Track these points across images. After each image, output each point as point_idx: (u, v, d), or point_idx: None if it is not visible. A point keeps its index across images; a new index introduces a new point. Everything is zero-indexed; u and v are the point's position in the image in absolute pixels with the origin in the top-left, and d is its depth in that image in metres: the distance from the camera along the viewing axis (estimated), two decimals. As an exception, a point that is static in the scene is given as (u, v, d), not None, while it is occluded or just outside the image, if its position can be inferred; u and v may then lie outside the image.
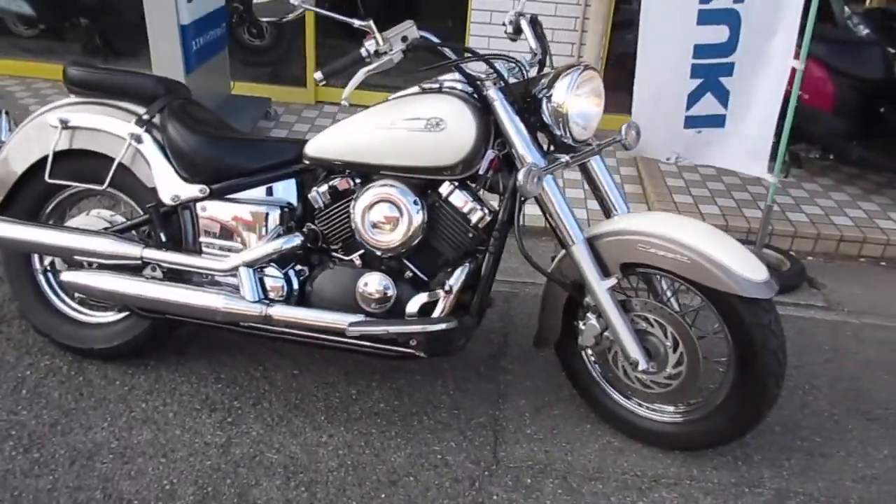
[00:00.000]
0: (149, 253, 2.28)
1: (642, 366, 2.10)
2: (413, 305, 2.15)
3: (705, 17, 3.03)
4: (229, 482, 2.09)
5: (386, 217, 2.12)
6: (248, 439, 2.25)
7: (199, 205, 2.29)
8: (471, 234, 2.14)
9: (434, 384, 2.53)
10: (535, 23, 2.31)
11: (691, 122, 3.21)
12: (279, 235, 2.25)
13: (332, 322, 2.17)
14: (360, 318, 2.16)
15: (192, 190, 2.27)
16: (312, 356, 2.60)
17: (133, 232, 2.39)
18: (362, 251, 2.23)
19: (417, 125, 2.06)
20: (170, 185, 2.28)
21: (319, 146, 2.21)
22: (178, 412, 2.34)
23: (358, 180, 2.22)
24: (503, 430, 2.35)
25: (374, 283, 2.17)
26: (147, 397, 2.40)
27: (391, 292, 2.16)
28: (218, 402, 2.40)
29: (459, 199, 2.13)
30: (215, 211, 2.29)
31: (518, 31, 2.32)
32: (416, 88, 2.16)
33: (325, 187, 2.25)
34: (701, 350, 2.10)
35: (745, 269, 1.97)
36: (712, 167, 3.86)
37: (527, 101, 2.09)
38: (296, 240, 2.23)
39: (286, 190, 2.30)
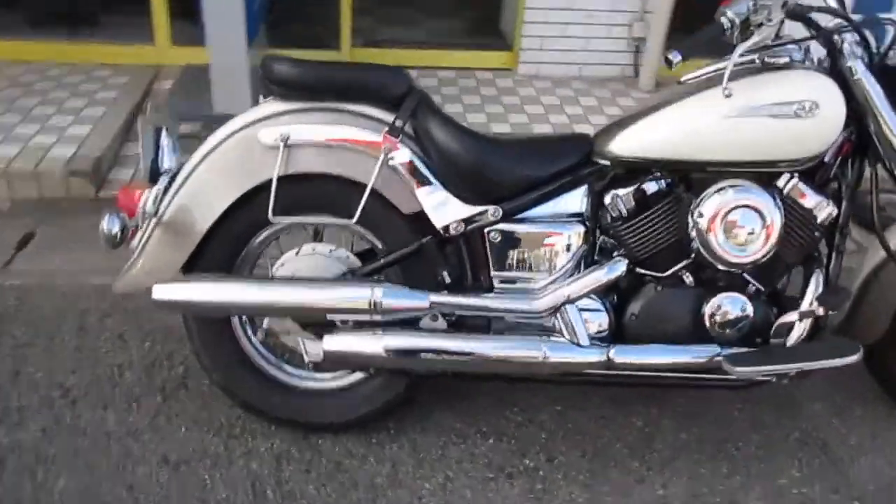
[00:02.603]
0: (440, 299, 1.78)
1: None
2: (780, 328, 1.82)
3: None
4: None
5: (745, 226, 1.75)
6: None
7: (490, 231, 1.81)
8: (817, 234, 1.82)
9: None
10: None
11: None
12: (595, 260, 1.83)
13: (693, 359, 1.80)
14: (731, 350, 1.80)
15: (482, 213, 1.79)
16: (550, 385, 2.19)
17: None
18: (687, 266, 1.85)
19: (785, 110, 1.69)
20: (448, 209, 1.78)
21: (629, 143, 1.78)
22: (473, 486, 1.90)
23: (667, 181, 1.82)
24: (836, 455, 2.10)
25: (729, 306, 1.81)
26: (419, 472, 1.93)
27: (749, 313, 1.82)
28: (506, 464, 1.97)
29: (805, 194, 1.80)
30: (511, 236, 1.82)
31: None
32: (749, 63, 1.77)
33: (626, 191, 1.83)
34: None
35: None
36: None
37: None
38: (621, 265, 1.81)
39: (576, 199, 1.86)
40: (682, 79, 1.87)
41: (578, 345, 1.78)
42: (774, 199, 1.75)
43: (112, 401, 2.11)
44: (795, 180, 1.78)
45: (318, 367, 1.91)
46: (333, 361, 1.80)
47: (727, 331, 1.81)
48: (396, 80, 1.78)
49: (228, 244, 1.85)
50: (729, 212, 1.74)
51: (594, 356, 1.78)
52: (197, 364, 2.05)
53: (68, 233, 2.92)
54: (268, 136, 1.74)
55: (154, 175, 1.86)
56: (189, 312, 1.87)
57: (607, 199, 1.84)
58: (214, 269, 1.85)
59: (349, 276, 1.85)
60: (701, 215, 1.75)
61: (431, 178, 1.76)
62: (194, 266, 1.84)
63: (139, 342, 2.34)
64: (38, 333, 2.35)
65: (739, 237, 1.75)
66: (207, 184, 1.79)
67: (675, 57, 1.63)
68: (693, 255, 1.81)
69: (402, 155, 1.74)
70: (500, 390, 2.17)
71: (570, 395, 2.19)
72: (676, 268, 1.84)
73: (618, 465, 1.99)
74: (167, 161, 1.86)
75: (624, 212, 1.82)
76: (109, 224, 1.70)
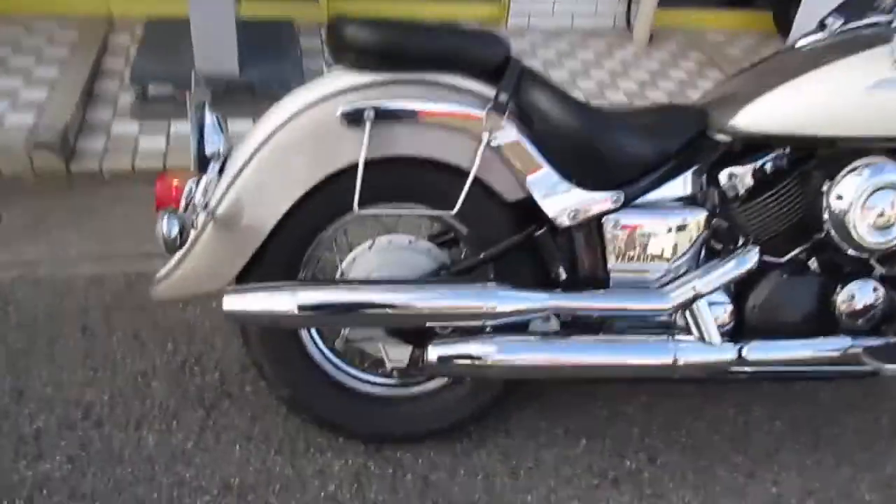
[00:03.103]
0: (559, 299, 1.56)
1: None
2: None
3: None
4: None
5: (888, 208, 1.60)
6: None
7: (608, 220, 1.59)
8: None
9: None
10: None
11: None
12: (713, 247, 1.65)
13: (828, 352, 1.65)
14: (868, 342, 1.66)
15: (602, 200, 1.57)
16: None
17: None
18: (808, 250, 1.69)
19: None
20: (563, 196, 1.54)
21: (758, 117, 1.58)
22: (580, 496, 1.72)
23: (790, 157, 1.65)
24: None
25: (862, 293, 1.66)
26: (517, 483, 1.73)
27: (880, 301, 1.68)
28: (607, 467, 1.80)
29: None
30: (630, 224, 1.60)
31: None
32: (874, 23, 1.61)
33: (744, 169, 1.65)
34: None
35: None
36: None
37: None
38: (753, 254, 1.63)
39: (691, 180, 1.66)
40: (798, 44, 1.69)
41: (709, 343, 1.60)
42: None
43: (145, 418, 1.81)
44: None
45: (402, 374, 1.67)
46: (438, 371, 1.56)
47: (858, 320, 1.67)
48: (494, 46, 1.51)
49: (294, 241, 1.57)
50: (872, 193, 1.58)
51: (727, 355, 1.60)
52: (233, 367, 1.78)
53: (41, 215, 2.53)
54: (350, 113, 1.45)
55: (202, 161, 1.54)
56: (268, 325, 1.58)
57: (723, 178, 1.64)
58: (277, 270, 1.57)
59: (444, 275, 1.60)
60: (840, 197, 1.58)
61: (542, 162, 1.52)
62: (250, 267, 1.55)
63: (158, 343, 2.03)
64: (35, 339, 2.01)
65: (881, 220, 1.59)
66: (273, 171, 1.49)
67: (835, 21, 1.43)
68: (816, 238, 1.65)
69: (508, 134, 1.49)
70: (572, 381, 1.98)
71: (651, 382, 2.02)
72: (796, 252, 1.68)
73: (722, 460, 1.84)
74: (213, 143, 1.54)
75: (742, 192, 1.64)
76: (168, 226, 1.39)
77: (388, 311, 1.49)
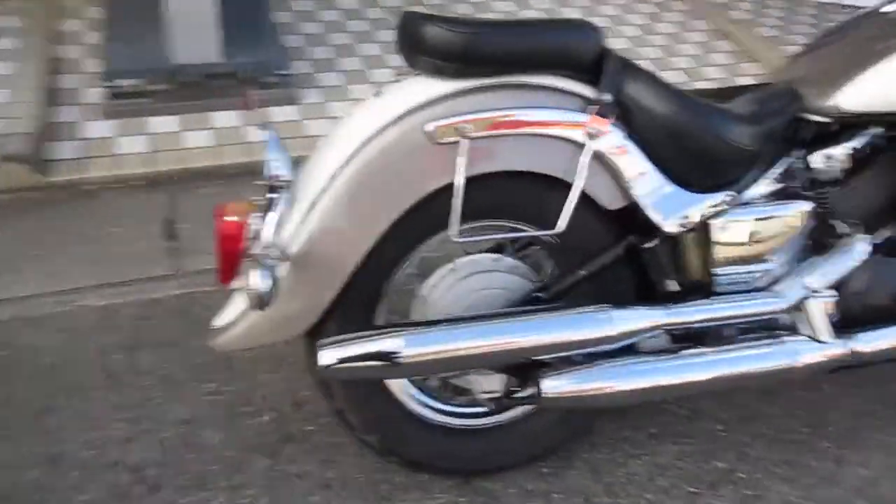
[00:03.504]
0: (675, 313, 1.45)
1: None
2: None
3: None
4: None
5: None
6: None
7: (716, 222, 1.47)
8: None
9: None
10: None
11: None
12: (824, 238, 1.56)
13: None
14: None
15: (713, 201, 1.45)
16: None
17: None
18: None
19: None
20: (674, 201, 1.42)
21: (861, 97, 1.49)
22: (680, 508, 1.66)
23: (885, 135, 1.57)
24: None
25: (958, 269, 1.61)
26: (615, 500, 1.65)
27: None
28: (700, 472, 1.72)
29: None
30: (741, 224, 1.49)
31: None
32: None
33: (840, 151, 1.56)
34: None
35: None
36: None
37: None
38: (865, 244, 1.55)
39: (790, 168, 1.56)
40: (884, 8, 1.59)
41: (823, 340, 1.52)
42: None
43: (205, 475, 1.64)
44: None
45: (498, 404, 1.55)
46: (554, 406, 1.45)
47: None
48: (588, 39, 1.35)
49: (374, 275, 1.41)
50: None
51: (841, 349, 1.53)
52: (286, 404, 1.65)
53: (23, 240, 2.27)
54: (443, 128, 1.29)
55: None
56: (371, 378, 1.43)
57: (818, 162, 1.55)
58: (356, 308, 1.42)
59: (542, 297, 1.48)
60: None
61: (648, 165, 1.39)
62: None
63: (196, 384, 1.85)
64: (55, 392, 1.80)
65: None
66: (355, 201, 1.33)
67: None
68: None
69: (614, 139, 1.36)
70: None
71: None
72: (889, 234, 1.61)
73: (808, 448, 1.80)
74: (276, 167, 1.35)
75: (839, 174, 1.55)
76: (263, 280, 1.22)
77: (506, 348, 1.36)
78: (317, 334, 1.40)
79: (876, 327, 1.58)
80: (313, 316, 1.38)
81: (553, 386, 1.39)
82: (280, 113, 2.84)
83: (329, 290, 1.36)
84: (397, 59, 3.18)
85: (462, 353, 1.35)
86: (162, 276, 2.17)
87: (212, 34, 2.64)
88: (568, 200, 1.35)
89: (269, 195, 1.33)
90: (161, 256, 2.25)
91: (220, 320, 1.43)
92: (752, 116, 1.48)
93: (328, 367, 1.31)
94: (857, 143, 1.54)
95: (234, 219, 1.37)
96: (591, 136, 1.33)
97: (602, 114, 1.33)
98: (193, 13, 2.57)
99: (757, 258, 1.51)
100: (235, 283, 1.41)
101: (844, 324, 1.57)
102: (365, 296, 1.42)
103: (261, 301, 1.22)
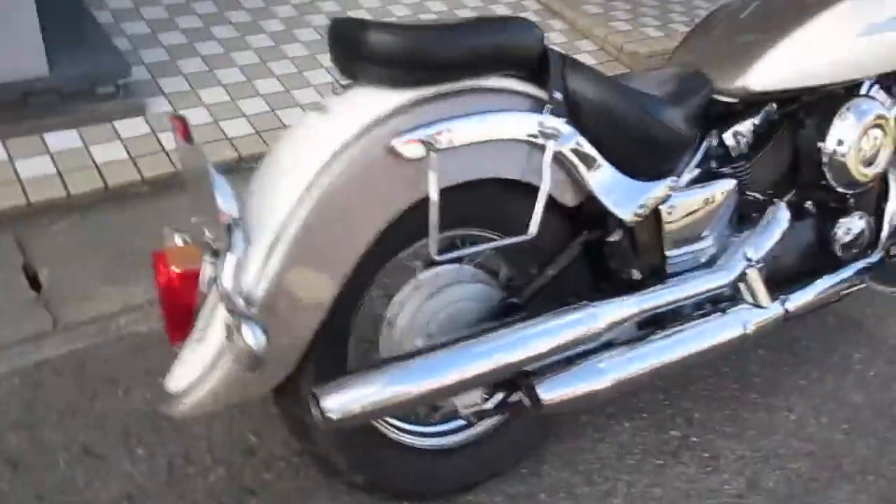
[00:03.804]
0: (649, 301, 1.48)
1: None
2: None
3: None
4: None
5: (875, 141, 1.72)
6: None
7: (663, 208, 1.51)
8: None
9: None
10: None
11: None
12: (761, 213, 1.67)
13: (847, 285, 1.76)
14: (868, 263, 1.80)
15: (662, 188, 1.49)
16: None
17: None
18: (802, 195, 1.78)
19: None
20: (628, 192, 1.45)
21: (766, 76, 1.60)
22: (659, 483, 1.71)
23: (782, 109, 1.71)
24: None
25: (856, 226, 1.79)
26: (596, 489, 1.68)
27: (865, 230, 1.82)
28: (660, 443, 1.80)
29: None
30: (683, 207, 1.54)
31: None
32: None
33: (746, 128, 1.67)
34: None
35: None
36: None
37: None
38: (786, 211, 1.67)
39: (711, 149, 1.65)
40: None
41: (762, 306, 1.62)
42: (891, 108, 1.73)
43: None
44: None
45: (481, 417, 1.50)
46: (555, 410, 1.41)
47: (852, 250, 1.80)
48: (531, 36, 1.32)
49: (345, 304, 1.30)
50: (865, 132, 1.67)
51: (780, 311, 1.65)
52: (234, 455, 1.53)
53: None
54: (409, 144, 1.21)
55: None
56: (378, 417, 1.31)
57: (730, 141, 1.65)
58: (327, 343, 1.30)
59: (514, 303, 1.45)
60: (840, 141, 1.67)
61: (601, 160, 1.40)
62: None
63: (122, 455, 1.63)
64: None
65: (871, 154, 1.71)
66: (324, 230, 1.21)
67: None
68: (807, 182, 1.74)
69: (568, 137, 1.34)
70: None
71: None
72: (788, 197, 1.76)
73: (741, 403, 1.93)
74: (228, 207, 1.19)
75: (745, 149, 1.66)
76: (255, 338, 1.07)
77: (507, 363, 1.32)
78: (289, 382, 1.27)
79: (801, 285, 1.72)
80: (291, 364, 1.25)
81: (552, 393, 1.37)
82: (129, 128, 2.54)
83: (305, 332, 1.25)
84: (244, 56, 3.04)
85: (468, 375, 1.29)
86: (39, 334, 1.87)
87: (35, 39, 2.28)
88: (537, 203, 1.33)
89: (213, 237, 1.17)
90: (30, 310, 1.94)
91: (176, 384, 1.25)
92: (679, 101, 1.53)
93: (336, 418, 1.19)
94: (757, 119, 1.66)
95: (182, 268, 1.20)
96: (550, 137, 1.31)
97: (556, 113, 1.31)
98: (6, 20, 2.20)
99: (700, 237, 1.59)
100: (192, 340, 1.24)
101: (776, 287, 1.69)
102: (337, 330, 1.31)
103: (255, 361, 1.08)
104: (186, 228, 1.28)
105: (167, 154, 2.47)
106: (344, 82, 1.28)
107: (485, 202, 1.35)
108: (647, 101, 1.46)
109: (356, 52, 1.21)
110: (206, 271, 1.19)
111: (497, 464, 1.61)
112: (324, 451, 1.39)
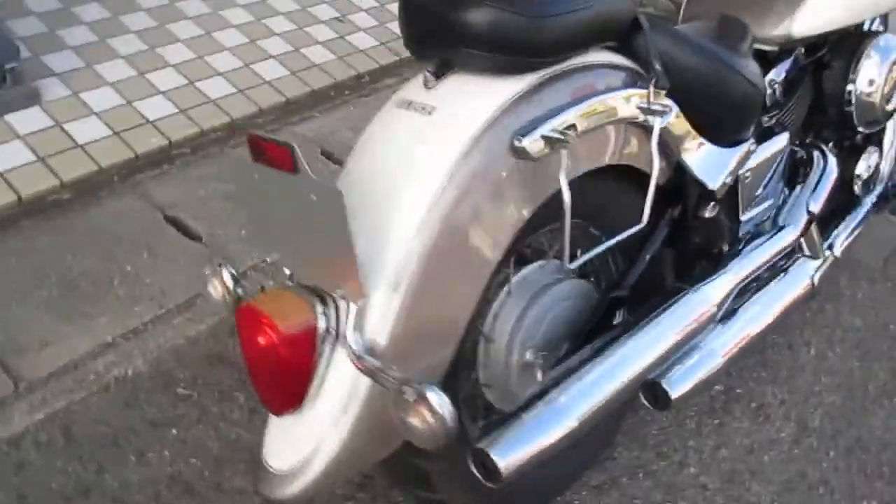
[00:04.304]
0: (745, 268, 1.42)
1: None
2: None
3: None
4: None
5: (894, 78, 1.72)
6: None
7: (742, 173, 1.43)
8: None
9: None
10: None
11: None
12: (812, 160, 1.63)
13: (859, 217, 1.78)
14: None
15: (742, 152, 1.40)
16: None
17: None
18: (824, 136, 1.77)
19: None
20: (718, 161, 1.36)
21: (809, 21, 1.54)
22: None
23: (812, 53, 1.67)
24: None
25: (873, 162, 1.81)
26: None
27: (879, 166, 1.84)
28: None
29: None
30: (757, 168, 1.47)
31: None
32: None
33: (781, 74, 1.62)
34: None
35: None
36: None
37: None
38: (834, 160, 1.65)
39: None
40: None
41: (817, 256, 1.61)
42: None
43: None
44: None
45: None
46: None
47: (869, 187, 1.82)
48: (624, 2, 1.18)
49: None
50: (890, 67, 1.67)
51: (833, 257, 1.65)
52: None
53: None
54: (536, 142, 1.04)
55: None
56: (546, 458, 1.15)
57: (768, 91, 1.59)
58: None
59: (622, 297, 1.33)
60: (871, 81, 1.65)
61: (692, 130, 1.29)
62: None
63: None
64: None
65: (889, 90, 1.71)
66: (453, 252, 1.03)
67: None
68: (831, 122, 1.72)
69: (672, 111, 1.23)
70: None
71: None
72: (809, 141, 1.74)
73: (766, 344, 1.94)
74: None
75: (780, 98, 1.61)
76: (441, 400, 0.90)
77: (643, 369, 1.22)
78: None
79: (834, 227, 1.72)
80: None
81: (677, 386, 1.27)
82: (26, 121, 2.12)
83: (439, 371, 1.07)
84: (136, 20, 2.58)
85: (618, 388, 1.17)
86: (1, 402, 1.54)
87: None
88: (649, 189, 1.21)
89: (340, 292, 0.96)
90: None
91: (281, 460, 1.04)
92: (746, 55, 1.44)
93: (512, 472, 1.03)
94: (788, 66, 1.60)
95: (296, 327, 0.98)
96: (656, 114, 1.17)
97: (660, 86, 1.18)
98: None
99: (766, 197, 1.54)
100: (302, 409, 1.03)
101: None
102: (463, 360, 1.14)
103: (448, 430, 0.89)
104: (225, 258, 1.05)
105: (83, 148, 2.08)
106: (431, 69, 1.07)
107: (594, 192, 1.21)
108: (731, 59, 1.35)
109: (454, 37, 1.01)
110: (321, 323, 0.98)
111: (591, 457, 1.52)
112: (447, 496, 1.23)
